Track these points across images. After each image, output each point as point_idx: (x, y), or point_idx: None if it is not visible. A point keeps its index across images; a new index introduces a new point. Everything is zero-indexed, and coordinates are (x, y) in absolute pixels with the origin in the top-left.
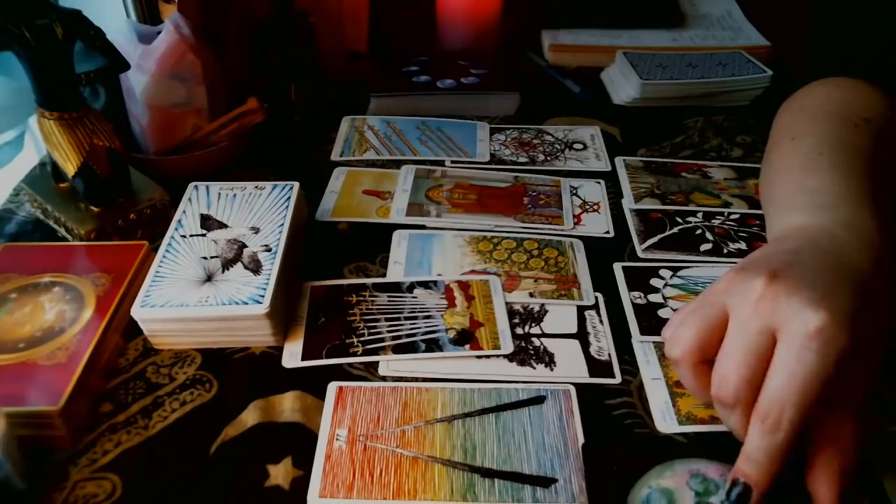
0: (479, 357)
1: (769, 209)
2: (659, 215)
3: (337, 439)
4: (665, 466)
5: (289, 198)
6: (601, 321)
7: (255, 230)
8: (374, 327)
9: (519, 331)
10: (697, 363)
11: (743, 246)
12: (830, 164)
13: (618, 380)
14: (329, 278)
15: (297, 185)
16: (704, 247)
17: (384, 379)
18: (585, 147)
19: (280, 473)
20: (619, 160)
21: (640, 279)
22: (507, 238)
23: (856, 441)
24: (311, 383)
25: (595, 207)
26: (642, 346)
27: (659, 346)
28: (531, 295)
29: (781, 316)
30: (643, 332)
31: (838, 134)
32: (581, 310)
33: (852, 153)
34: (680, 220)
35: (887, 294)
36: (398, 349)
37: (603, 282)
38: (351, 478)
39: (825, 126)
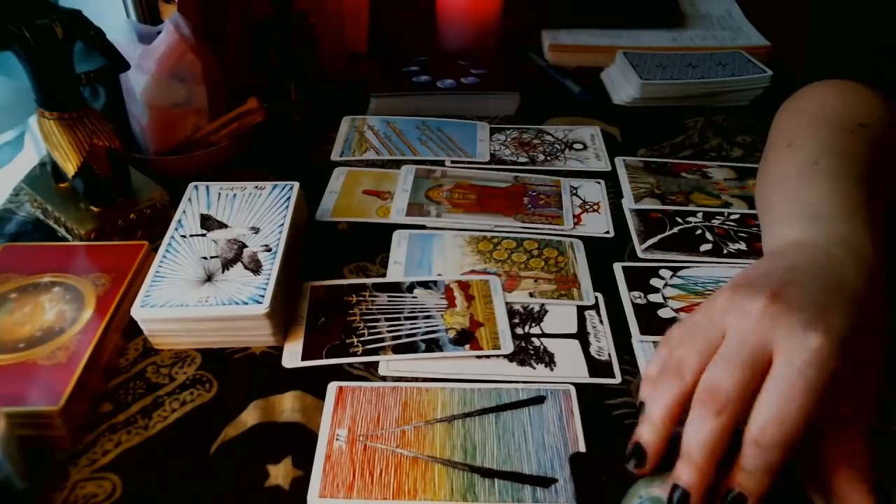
0: (479, 357)
1: (765, 218)
2: (659, 215)
3: (337, 439)
4: (655, 475)
5: (289, 198)
6: (601, 321)
7: (255, 230)
8: (374, 327)
9: (519, 331)
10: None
11: (743, 246)
12: (827, 173)
13: (618, 380)
14: (329, 278)
15: (297, 185)
16: (704, 247)
17: (384, 379)
18: (585, 147)
19: (280, 473)
20: (619, 160)
21: (640, 279)
22: (507, 238)
23: (869, 457)
24: (311, 383)
25: (595, 207)
26: (642, 346)
27: None
28: (531, 295)
29: (780, 335)
30: (643, 332)
31: (834, 141)
32: (581, 310)
33: (848, 161)
34: (680, 220)
35: (884, 306)
36: (398, 349)
37: (603, 282)
38: (351, 478)
39: (822, 133)
